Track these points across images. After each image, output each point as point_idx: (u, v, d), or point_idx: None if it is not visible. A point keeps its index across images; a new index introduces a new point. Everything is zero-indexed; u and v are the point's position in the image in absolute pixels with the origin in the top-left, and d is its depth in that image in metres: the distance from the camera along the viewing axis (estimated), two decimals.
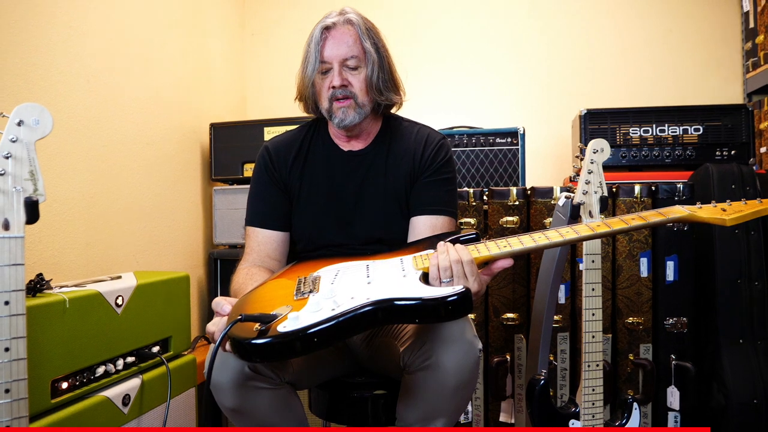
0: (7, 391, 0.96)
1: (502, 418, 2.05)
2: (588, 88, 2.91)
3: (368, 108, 1.44)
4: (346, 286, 1.14)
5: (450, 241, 1.22)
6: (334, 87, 1.40)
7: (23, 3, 1.75)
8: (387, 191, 1.47)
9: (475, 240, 1.25)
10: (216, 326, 1.14)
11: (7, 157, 0.97)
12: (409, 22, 3.08)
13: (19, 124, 0.98)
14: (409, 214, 1.47)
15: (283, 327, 0.99)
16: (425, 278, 1.14)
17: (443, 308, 1.02)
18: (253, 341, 0.98)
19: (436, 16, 3.08)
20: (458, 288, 1.03)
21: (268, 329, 0.99)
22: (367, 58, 1.41)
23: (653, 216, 1.21)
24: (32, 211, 0.98)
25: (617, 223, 1.21)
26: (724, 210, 1.19)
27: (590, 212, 1.51)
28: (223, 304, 1.18)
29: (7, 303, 0.96)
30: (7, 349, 0.96)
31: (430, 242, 1.30)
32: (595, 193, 1.52)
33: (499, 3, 3.03)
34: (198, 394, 1.91)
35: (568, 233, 1.20)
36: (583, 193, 1.51)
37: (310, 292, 1.13)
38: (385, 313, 1.04)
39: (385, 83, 1.45)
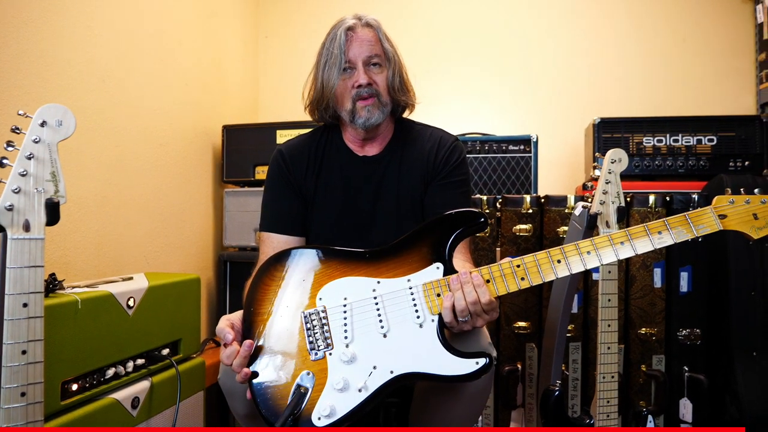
0: (23, 394, 0.95)
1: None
2: (601, 96, 2.89)
3: (389, 108, 1.46)
4: (362, 343, 1.14)
5: (454, 237, 1.17)
6: (359, 86, 1.39)
7: (42, 1, 1.75)
8: (402, 196, 1.46)
9: (482, 227, 1.20)
10: (226, 375, 1.16)
11: (30, 158, 0.96)
12: (423, 29, 3.08)
13: (42, 124, 0.98)
14: (424, 218, 1.46)
15: (317, 420, 1.07)
16: (441, 321, 1.13)
17: (467, 380, 1.10)
18: None
19: (450, 23, 3.07)
20: (482, 362, 1.09)
21: (300, 416, 1.08)
22: (388, 59, 1.44)
23: (679, 225, 1.13)
24: (53, 213, 0.97)
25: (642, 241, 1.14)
26: (756, 217, 1.14)
27: (607, 222, 1.50)
28: (226, 332, 1.15)
29: (25, 305, 0.94)
30: (24, 352, 0.95)
31: (433, 240, 1.19)
32: (612, 203, 1.51)
33: (512, 10, 3.02)
34: (206, 397, 1.89)
35: (590, 258, 1.13)
36: (601, 203, 1.50)
37: (326, 348, 1.14)
38: (408, 383, 1.16)
39: (401, 85, 1.47)
